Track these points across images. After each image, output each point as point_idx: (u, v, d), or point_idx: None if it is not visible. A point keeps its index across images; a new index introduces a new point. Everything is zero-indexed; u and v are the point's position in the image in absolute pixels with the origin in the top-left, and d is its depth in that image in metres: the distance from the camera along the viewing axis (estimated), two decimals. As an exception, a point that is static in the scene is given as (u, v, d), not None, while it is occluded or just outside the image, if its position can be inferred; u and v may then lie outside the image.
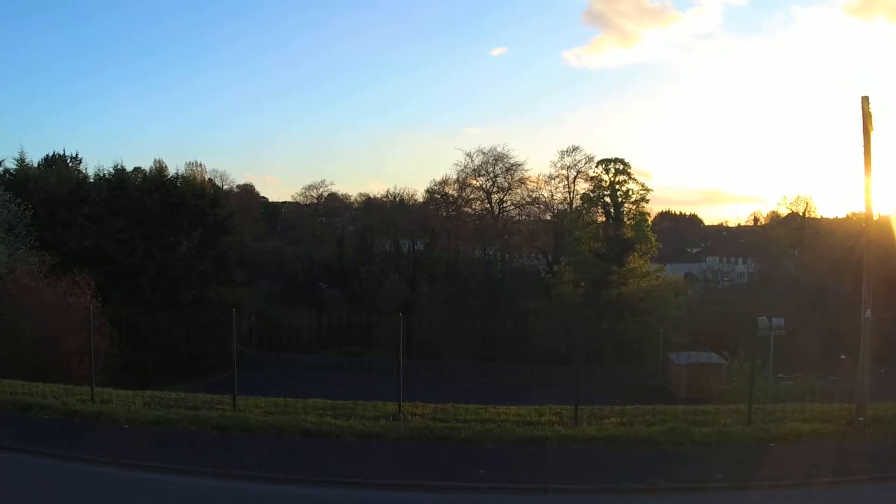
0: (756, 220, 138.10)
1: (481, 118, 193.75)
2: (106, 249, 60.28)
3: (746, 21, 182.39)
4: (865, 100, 19.66)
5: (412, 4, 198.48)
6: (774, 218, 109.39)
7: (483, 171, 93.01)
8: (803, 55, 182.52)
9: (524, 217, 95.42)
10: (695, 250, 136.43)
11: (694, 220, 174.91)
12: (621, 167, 76.15)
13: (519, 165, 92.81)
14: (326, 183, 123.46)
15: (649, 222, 78.76)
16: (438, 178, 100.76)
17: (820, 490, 15.20)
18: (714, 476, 15.58)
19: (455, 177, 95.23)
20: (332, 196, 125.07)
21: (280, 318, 79.31)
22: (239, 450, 17.37)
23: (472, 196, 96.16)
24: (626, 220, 75.63)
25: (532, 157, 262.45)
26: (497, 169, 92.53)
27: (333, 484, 15.43)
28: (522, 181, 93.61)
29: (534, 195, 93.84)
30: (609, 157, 77.82)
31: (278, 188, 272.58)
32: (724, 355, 50.95)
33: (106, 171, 69.76)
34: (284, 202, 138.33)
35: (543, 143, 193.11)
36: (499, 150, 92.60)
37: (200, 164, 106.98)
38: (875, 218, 50.91)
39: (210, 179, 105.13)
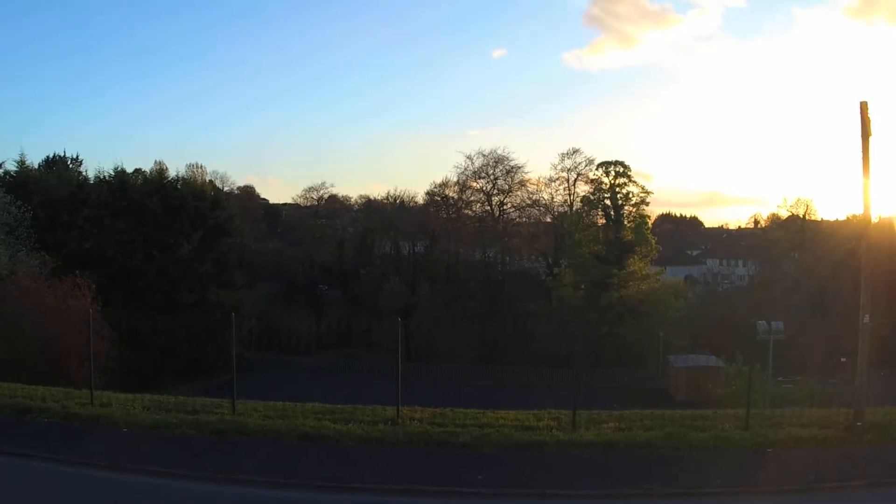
0: (756, 222, 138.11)
1: (482, 120, 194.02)
2: (106, 251, 60.32)
3: (746, 23, 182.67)
4: (864, 105, 19.66)
5: (412, 6, 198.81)
6: (775, 220, 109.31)
7: (483, 174, 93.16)
8: (803, 57, 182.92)
9: (524, 219, 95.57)
10: (695, 253, 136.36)
11: (694, 223, 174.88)
12: (621, 170, 76.36)
13: (519, 168, 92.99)
14: (327, 185, 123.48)
15: (649, 225, 78.97)
16: (439, 181, 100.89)
17: (817, 496, 15.23)
18: (712, 482, 15.61)
19: (455, 179, 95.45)
20: (333, 198, 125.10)
21: (280, 321, 79.37)
22: (238, 454, 17.40)
23: (472, 198, 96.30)
24: (626, 222, 75.80)
25: (532, 158, 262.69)
26: (497, 171, 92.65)
27: (332, 489, 15.46)
28: (523, 183, 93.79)
29: (534, 197, 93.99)
30: (609, 159, 78.10)
31: (279, 190, 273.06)
32: (722, 358, 51.05)
33: (106, 173, 69.89)
34: (285, 204, 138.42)
35: (544, 144, 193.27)
36: (499, 152, 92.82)
37: (201, 166, 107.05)
38: (876, 220, 51.01)
39: (210, 181, 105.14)
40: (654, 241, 76.46)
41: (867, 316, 19.63)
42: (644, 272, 75.01)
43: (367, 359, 66.14)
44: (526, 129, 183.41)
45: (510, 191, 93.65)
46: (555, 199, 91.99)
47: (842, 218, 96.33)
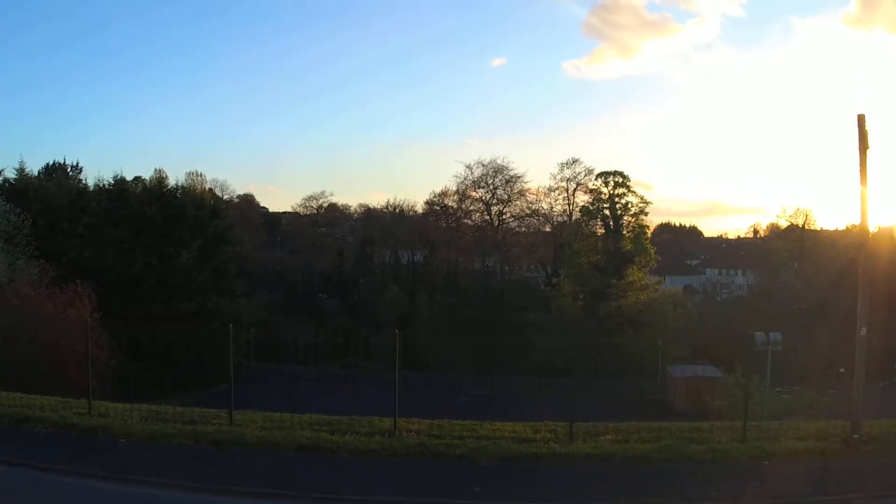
0: (756, 231, 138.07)
1: (482, 129, 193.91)
2: (105, 260, 60.32)
3: (745, 33, 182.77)
4: (862, 118, 19.71)
5: (412, 15, 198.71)
6: (774, 230, 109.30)
7: (483, 183, 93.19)
8: (802, 66, 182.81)
9: (524, 229, 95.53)
10: (694, 262, 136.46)
11: (694, 232, 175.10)
12: (621, 180, 76.32)
13: (519, 177, 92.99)
14: (327, 194, 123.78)
15: (648, 235, 78.89)
16: (438, 190, 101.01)
17: (812, 509, 15.31)
18: (708, 494, 15.67)
19: (455, 188, 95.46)
20: (333, 207, 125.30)
21: (279, 329, 79.35)
22: (235, 465, 17.46)
23: (471, 208, 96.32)
24: (625, 232, 75.77)
25: (532, 168, 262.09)
26: (497, 181, 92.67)
27: (328, 500, 15.53)
28: (522, 193, 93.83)
29: (533, 207, 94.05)
30: (609, 168, 78.04)
31: (279, 198, 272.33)
32: (721, 369, 51.06)
33: (106, 182, 69.98)
34: (285, 212, 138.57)
35: (543, 153, 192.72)
36: (499, 161, 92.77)
37: (201, 174, 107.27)
38: (875, 230, 51.01)
39: (210, 189, 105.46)
40: (653, 251, 76.42)
41: (864, 328, 19.65)
42: (643, 282, 74.97)
43: (367, 368, 66.10)
44: (525, 139, 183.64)
45: (510, 200, 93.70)
46: (554, 209, 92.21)
47: (841, 227, 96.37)
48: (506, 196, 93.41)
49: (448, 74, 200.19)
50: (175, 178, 79.68)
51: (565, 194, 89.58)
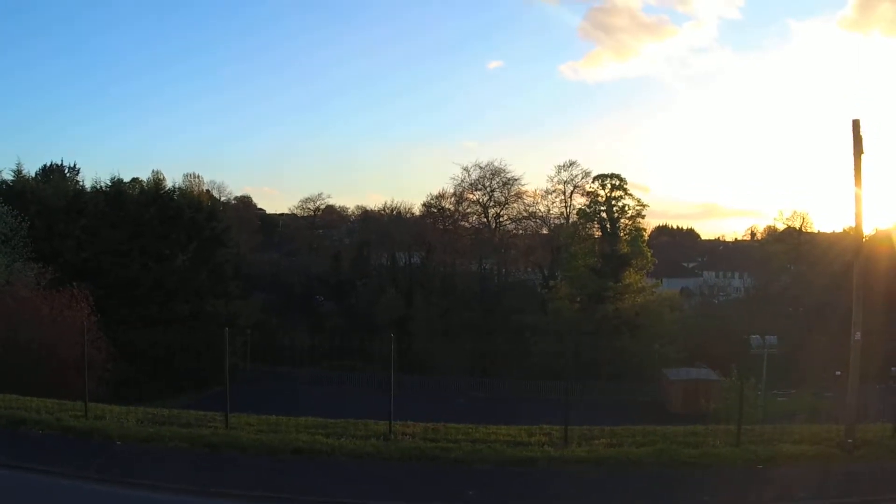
0: (753, 234, 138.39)
1: (479, 132, 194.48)
2: (102, 262, 60.32)
3: (742, 35, 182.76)
4: (857, 123, 19.70)
5: (408, 19, 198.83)
6: (771, 233, 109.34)
7: (480, 186, 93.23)
8: (799, 69, 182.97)
9: (521, 231, 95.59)
10: (691, 265, 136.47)
11: (691, 235, 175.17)
12: (618, 182, 76.51)
13: (516, 180, 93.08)
14: (324, 196, 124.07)
15: (645, 237, 79.10)
16: (435, 192, 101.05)
17: (806, 513, 15.36)
18: (701, 499, 15.70)
19: (452, 191, 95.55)
20: (330, 208, 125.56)
21: (276, 332, 79.17)
22: (230, 468, 17.45)
23: (468, 210, 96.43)
24: (622, 235, 75.91)
25: (529, 170, 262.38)
26: (494, 183, 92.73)
27: (324, 504, 15.57)
28: (519, 195, 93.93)
29: (530, 210, 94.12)
30: (606, 170, 78.44)
31: (276, 200, 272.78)
32: (717, 372, 51.16)
33: (103, 183, 69.97)
34: (282, 214, 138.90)
35: (540, 155, 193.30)
36: (496, 164, 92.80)
37: (198, 176, 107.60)
38: (873, 232, 51.10)
39: (207, 191, 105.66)
40: (649, 253, 76.61)
41: (858, 333, 19.67)
42: (640, 285, 75.14)
43: (364, 370, 65.98)
44: (522, 141, 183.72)
45: (507, 203, 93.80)
46: (551, 212, 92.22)
47: (839, 230, 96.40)
48: (503, 198, 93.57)
49: (445, 77, 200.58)
50: (172, 179, 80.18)
51: (562, 197, 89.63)
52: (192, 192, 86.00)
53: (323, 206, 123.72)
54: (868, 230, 46.59)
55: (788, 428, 21.33)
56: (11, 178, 66.98)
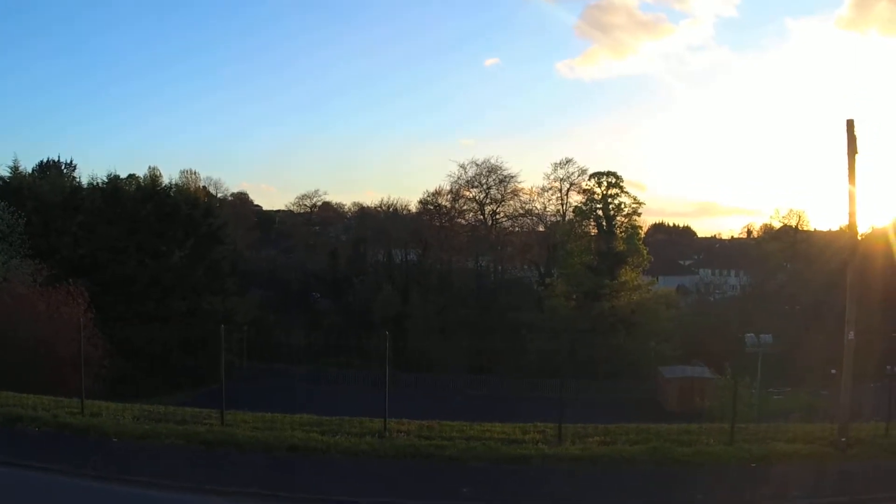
0: (749, 232, 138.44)
1: (475, 129, 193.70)
2: (99, 258, 60.32)
3: (739, 34, 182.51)
4: (851, 123, 19.77)
5: (404, 15, 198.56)
6: (768, 231, 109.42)
7: (476, 183, 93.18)
8: (796, 67, 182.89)
9: (517, 229, 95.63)
10: (687, 263, 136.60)
11: (688, 233, 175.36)
12: (614, 180, 76.54)
13: (512, 177, 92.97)
14: (320, 192, 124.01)
15: (641, 235, 79.14)
16: (431, 189, 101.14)
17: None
18: (694, 497, 15.76)
19: (448, 188, 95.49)
20: (326, 205, 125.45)
21: (273, 329, 79.15)
22: (226, 465, 17.53)
23: (465, 207, 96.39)
24: (618, 233, 75.93)
25: (525, 167, 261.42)
26: (490, 180, 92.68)
27: (319, 501, 15.63)
28: (515, 193, 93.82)
29: (527, 207, 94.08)
30: (602, 168, 78.55)
31: (273, 197, 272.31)
32: (711, 370, 51.27)
33: (100, 180, 69.94)
34: (278, 211, 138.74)
35: (536, 153, 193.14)
36: (492, 161, 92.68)
37: (195, 172, 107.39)
38: (870, 230, 51.15)
39: (204, 187, 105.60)
40: (645, 251, 76.68)
41: (852, 333, 19.75)
42: (636, 282, 75.17)
43: (360, 368, 66.02)
44: (519, 139, 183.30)
45: (503, 200, 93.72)
46: (547, 209, 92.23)
47: (835, 228, 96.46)
48: (499, 196, 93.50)
49: (441, 75, 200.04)
50: (169, 176, 79.99)
51: (559, 194, 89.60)
52: (189, 188, 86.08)
53: (319, 203, 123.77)
54: (864, 229, 46.83)
55: (782, 426, 21.42)
56: (8, 174, 67.04)
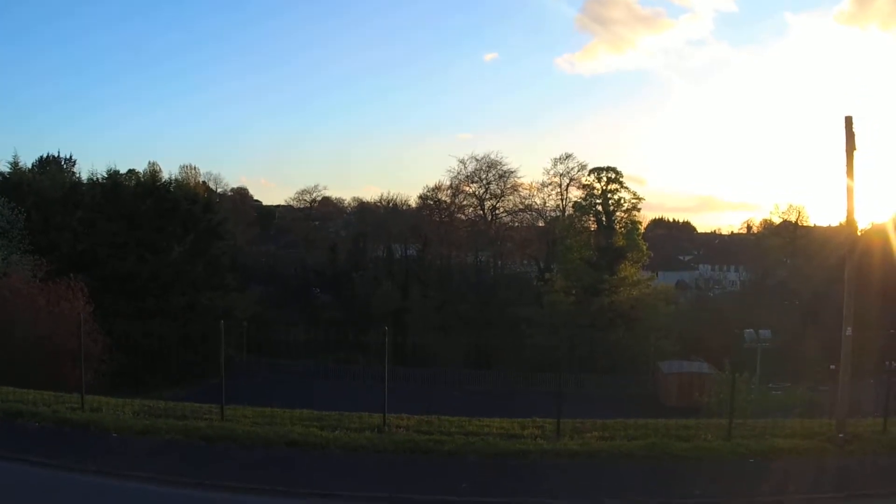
0: (749, 227, 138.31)
1: (474, 124, 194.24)
2: (99, 254, 60.30)
3: (739, 28, 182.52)
4: (849, 120, 19.79)
5: (403, 9, 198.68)
6: (768, 226, 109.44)
7: (476, 178, 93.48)
8: (796, 62, 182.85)
9: (517, 224, 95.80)
10: (687, 258, 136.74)
11: (687, 228, 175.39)
12: (613, 176, 76.64)
13: (512, 172, 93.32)
14: (320, 187, 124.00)
15: (641, 231, 79.21)
16: (431, 184, 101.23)
17: (794, 507, 15.49)
18: (692, 492, 15.84)
19: (448, 183, 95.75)
20: (326, 200, 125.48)
21: (273, 324, 79.23)
22: (226, 460, 17.57)
23: (465, 202, 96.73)
24: (617, 228, 76.03)
25: (525, 162, 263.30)
26: (490, 176, 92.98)
27: (318, 496, 15.65)
28: (515, 188, 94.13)
29: (526, 202, 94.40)
30: (602, 162, 79.08)
31: (272, 192, 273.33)
32: (709, 366, 51.32)
33: (99, 175, 69.93)
34: (278, 206, 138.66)
35: (536, 147, 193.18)
36: (492, 157, 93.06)
37: (194, 167, 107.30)
38: (869, 226, 51.22)
39: (204, 182, 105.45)
40: (645, 246, 76.76)
41: (849, 329, 19.78)
42: (635, 278, 75.24)
43: (360, 363, 66.08)
44: (518, 133, 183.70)
45: (503, 195, 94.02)
46: (547, 204, 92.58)
47: (835, 224, 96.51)
48: (499, 191, 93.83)
49: (441, 69, 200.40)
50: (168, 171, 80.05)
51: (558, 189, 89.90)
52: (189, 183, 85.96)
53: (319, 198, 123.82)
54: (864, 224, 46.95)
55: (780, 422, 21.46)
56: (8, 170, 67.03)
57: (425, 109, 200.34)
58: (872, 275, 50.34)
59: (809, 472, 17.04)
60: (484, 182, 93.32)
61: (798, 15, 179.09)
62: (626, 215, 76.81)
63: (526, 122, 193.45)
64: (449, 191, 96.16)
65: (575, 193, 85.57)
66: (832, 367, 46.69)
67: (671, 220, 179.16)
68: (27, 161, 74.26)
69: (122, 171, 72.13)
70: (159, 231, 65.01)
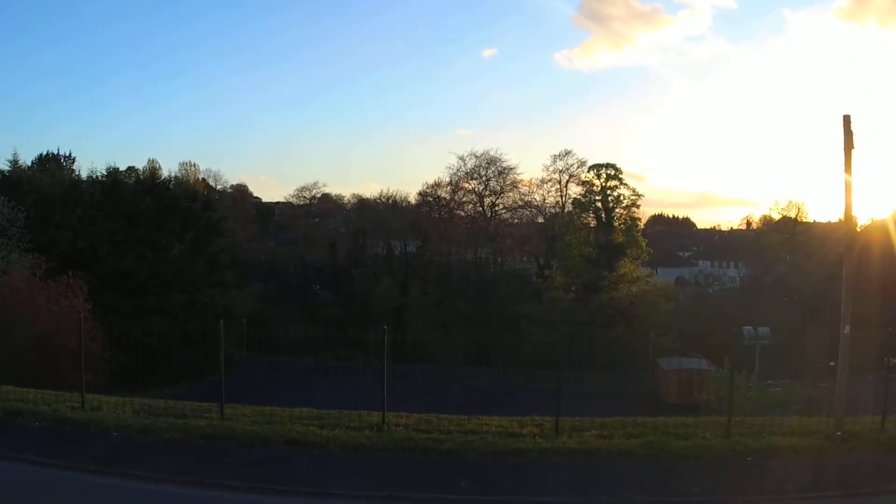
0: (749, 223, 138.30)
1: (473, 120, 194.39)
2: (99, 252, 60.44)
3: (737, 24, 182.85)
4: (847, 119, 19.77)
5: (402, 6, 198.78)
6: (767, 222, 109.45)
7: (476, 175, 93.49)
8: (795, 59, 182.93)
9: (516, 220, 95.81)
10: (686, 254, 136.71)
11: (687, 224, 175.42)
12: (613, 172, 76.72)
13: (511, 169, 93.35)
14: (319, 184, 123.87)
15: (640, 227, 79.39)
16: (429, 180, 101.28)
17: (792, 505, 15.53)
18: (690, 491, 15.86)
19: (448, 180, 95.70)
20: (326, 197, 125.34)
21: (272, 321, 79.30)
22: (226, 459, 17.58)
23: (464, 199, 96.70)
24: (617, 224, 76.14)
25: (524, 158, 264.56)
26: (490, 172, 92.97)
27: (318, 495, 15.65)
28: (515, 185, 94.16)
29: (526, 199, 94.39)
30: (601, 158, 79.33)
31: (272, 189, 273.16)
32: (708, 362, 51.40)
33: (99, 173, 70.11)
34: (278, 203, 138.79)
35: (535, 143, 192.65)
36: (491, 153, 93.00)
37: (194, 164, 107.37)
38: (869, 222, 51.25)
39: (203, 179, 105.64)
40: (644, 243, 76.88)
41: (847, 327, 19.81)
42: (634, 274, 75.35)
43: (360, 360, 66.20)
44: (517, 129, 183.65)
45: (502, 192, 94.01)
46: (546, 201, 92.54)
47: (834, 220, 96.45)
48: (498, 188, 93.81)
49: (439, 65, 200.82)
50: (168, 168, 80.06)
51: (558, 186, 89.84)
52: (188, 180, 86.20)
53: (319, 195, 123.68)
54: (864, 220, 46.98)
55: (779, 420, 21.52)
56: (8, 168, 67.12)
57: (425, 106, 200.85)
58: (872, 270, 50.37)
59: (807, 470, 17.08)
60: (483, 179, 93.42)
61: (796, 11, 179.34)
62: (625, 212, 76.93)
63: (525, 118, 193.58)
64: (448, 187, 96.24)
65: (574, 190, 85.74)
66: (831, 363, 46.73)
67: (670, 216, 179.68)
68: (27, 159, 74.48)
69: (122, 168, 72.42)
70: (159, 228, 65.16)
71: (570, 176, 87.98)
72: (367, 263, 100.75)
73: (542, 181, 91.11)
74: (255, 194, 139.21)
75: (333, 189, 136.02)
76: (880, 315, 52.97)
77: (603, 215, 77.12)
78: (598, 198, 77.04)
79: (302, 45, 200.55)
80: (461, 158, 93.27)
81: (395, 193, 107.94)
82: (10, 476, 16.29)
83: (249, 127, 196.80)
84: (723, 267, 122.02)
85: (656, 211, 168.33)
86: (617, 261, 74.16)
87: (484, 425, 19.97)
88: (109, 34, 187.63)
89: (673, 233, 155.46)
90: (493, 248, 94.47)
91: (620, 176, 76.84)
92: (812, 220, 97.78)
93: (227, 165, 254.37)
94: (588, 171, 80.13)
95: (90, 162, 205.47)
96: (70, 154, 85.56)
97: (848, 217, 20.45)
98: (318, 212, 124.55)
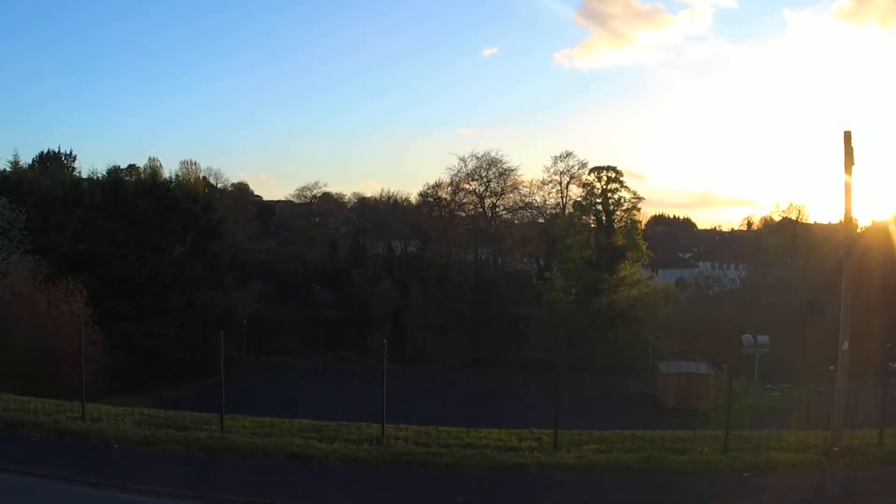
0: (749, 224, 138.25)
1: (473, 119, 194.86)
2: (99, 253, 60.48)
3: (738, 24, 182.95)
4: (848, 135, 19.67)
5: (402, 5, 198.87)
6: (768, 223, 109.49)
7: (476, 176, 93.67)
8: (795, 59, 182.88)
9: (517, 221, 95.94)
10: (687, 255, 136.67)
11: (687, 224, 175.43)
12: (613, 175, 76.82)
13: (512, 170, 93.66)
14: (320, 184, 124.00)
15: (640, 230, 79.48)
16: (430, 179, 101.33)
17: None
18: (686, 507, 15.97)
19: (448, 180, 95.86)
20: (326, 196, 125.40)
21: (273, 321, 79.37)
22: (225, 472, 17.62)
23: (465, 200, 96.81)
24: (617, 227, 76.19)
25: (524, 157, 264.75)
26: (490, 173, 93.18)
27: (317, 510, 15.79)
28: (515, 185, 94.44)
29: (526, 200, 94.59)
30: (601, 160, 79.26)
31: (273, 187, 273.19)
32: (709, 365, 51.42)
33: (100, 173, 70.22)
34: (278, 201, 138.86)
35: (535, 142, 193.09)
36: (492, 154, 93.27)
37: (195, 163, 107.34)
38: (870, 224, 51.39)
39: (204, 178, 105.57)
40: (644, 246, 77.00)
41: (846, 343, 19.82)
42: (635, 277, 75.46)
43: (359, 360, 66.24)
44: (517, 128, 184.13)
45: (503, 193, 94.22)
46: (547, 202, 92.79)
47: (835, 222, 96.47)
48: (499, 188, 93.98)
49: (440, 64, 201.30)
50: (169, 167, 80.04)
51: (558, 187, 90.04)
52: (189, 179, 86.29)
53: (319, 194, 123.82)
54: (865, 222, 47.08)
55: (776, 434, 21.47)
56: (9, 168, 67.14)
57: (425, 105, 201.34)
58: (873, 272, 50.40)
59: (804, 486, 17.10)
60: (484, 180, 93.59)
61: (797, 11, 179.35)
62: (625, 214, 77.04)
63: (525, 117, 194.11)
64: (449, 188, 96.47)
65: (575, 191, 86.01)
66: (831, 367, 46.81)
67: (671, 216, 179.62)
68: (27, 157, 74.87)
69: (123, 166, 72.55)
70: (159, 230, 65.22)
71: (571, 177, 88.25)
72: (367, 263, 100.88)
73: (543, 182, 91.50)
74: (255, 193, 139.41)
75: (334, 188, 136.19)
76: (881, 319, 53.01)
77: (603, 218, 77.22)
78: (598, 200, 77.14)
79: (302, 44, 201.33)
80: (462, 159, 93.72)
81: (395, 193, 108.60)
82: (11, 489, 16.33)
83: (250, 125, 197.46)
84: (723, 268, 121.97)
85: (657, 211, 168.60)
86: (617, 264, 74.25)
87: (483, 439, 19.99)
88: (109, 33, 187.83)
89: (673, 233, 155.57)
90: (493, 248, 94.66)
91: (621, 178, 77.07)
92: (813, 222, 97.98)
93: (227, 164, 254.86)
94: (589, 174, 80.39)
95: (91, 160, 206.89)
96: (71, 152, 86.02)
97: (847, 220, 20.45)
98: (319, 211, 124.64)
